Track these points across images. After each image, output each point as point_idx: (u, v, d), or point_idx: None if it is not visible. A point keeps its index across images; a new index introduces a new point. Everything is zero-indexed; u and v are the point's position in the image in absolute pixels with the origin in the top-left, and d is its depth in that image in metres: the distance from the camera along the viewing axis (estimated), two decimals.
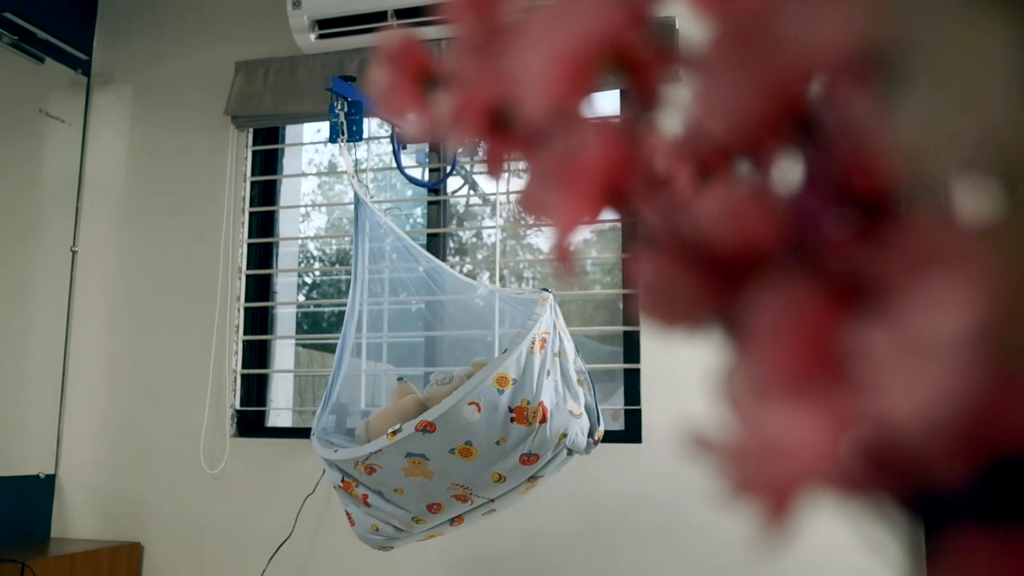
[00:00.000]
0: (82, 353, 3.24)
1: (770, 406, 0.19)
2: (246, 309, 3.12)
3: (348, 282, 2.98)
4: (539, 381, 1.94)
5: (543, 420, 1.93)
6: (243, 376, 3.08)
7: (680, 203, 0.23)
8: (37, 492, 3.13)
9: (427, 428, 1.88)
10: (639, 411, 2.63)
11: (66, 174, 3.31)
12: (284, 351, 3.22)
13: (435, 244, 3.04)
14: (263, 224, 3.21)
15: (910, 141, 0.15)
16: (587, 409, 2.11)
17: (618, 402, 2.75)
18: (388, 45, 0.34)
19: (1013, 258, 0.14)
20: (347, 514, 2.07)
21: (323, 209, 3.64)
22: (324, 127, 3.32)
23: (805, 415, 0.19)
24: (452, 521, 2.08)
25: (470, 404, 1.88)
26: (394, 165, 2.75)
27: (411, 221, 3.45)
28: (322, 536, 2.83)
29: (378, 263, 2.53)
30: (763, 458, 0.19)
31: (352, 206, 2.39)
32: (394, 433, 1.89)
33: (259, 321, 3.14)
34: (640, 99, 0.24)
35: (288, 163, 3.31)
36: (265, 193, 3.23)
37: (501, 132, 0.28)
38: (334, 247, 3.67)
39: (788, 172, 0.21)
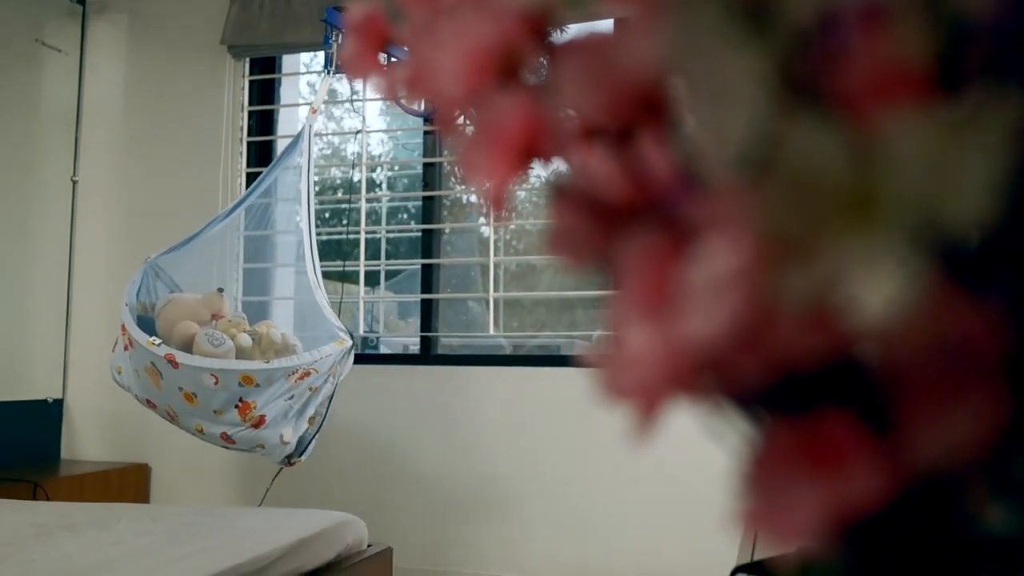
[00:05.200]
0: (85, 280, 3.31)
1: (631, 327, 0.25)
2: (245, 237, 3.17)
3: (347, 210, 3.03)
4: (275, 399, 2.23)
5: (255, 425, 2.22)
6: (244, 302, 3.15)
7: (579, 162, 0.28)
8: (46, 416, 3.22)
9: (172, 362, 2.18)
10: None
11: (65, 104, 3.33)
12: (284, 279, 3.28)
13: (431, 173, 3.08)
14: (261, 153, 3.25)
15: (696, 139, 0.20)
16: (300, 440, 2.37)
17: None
18: (353, 16, 0.39)
19: (769, 217, 0.20)
20: (116, 341, 2.39)
21: (324, 137, 3.66)
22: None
23: (653, 334, 0.24)
24: (164, 419, 2.38)
25: (212, 375, 2.17)
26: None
27: (407, 152, 3.49)
28: (323, 457, 2.92)
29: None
30: (625, 369, 0.25)
31: (353, 135, 2.45)
32: (152, 343, 2.21)
33: (259, 249, 3.19)
34: (548, 78, 0.29)
35: (285, 93, 3.33)
36: (263, 123, 3.26)
37: (447, 97, 0.33)
38: (333, 173, 3.71)
39: (651, 146, 0.26)
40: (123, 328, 2.32)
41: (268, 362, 2.22)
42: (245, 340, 2.33)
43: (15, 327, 3.17)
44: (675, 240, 0.25)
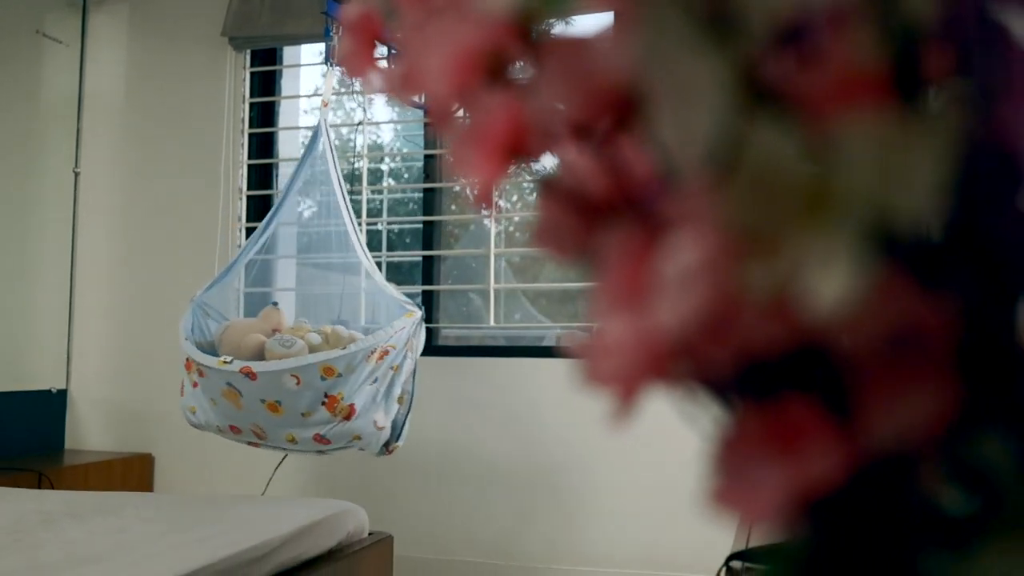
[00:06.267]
0: (89, 271, 3.32)
1: (610, 317, 0.26)
2: (247, 229, 3.18)
3: (350, 202, 3.04)
4: (360, 385, 2.16)
5: (347, 417, 2.16)
6: (246, 295, 3.16)
7: (565, 159, 0.30)
8: (50, 406, 3.24)
9: (249, 375, 2.12)
10: None
11: (66, 96, 3.34)
12: (286, 270, 3.29)
13: (432, 165, 3.09)
14: (262, 145, 3.26)
15: (664, 140, 0.21)
16: (394, 424, 2.31)
17: None
18: (349, 14, 0.40)
19: (733, 214, 0.21)
20: (182, 383, 2.32)
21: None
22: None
23: (630, 324, 0.26)
24: (249, 443, 2.34)
25: (292, 376, 2.11)
26: None
27: (411, 144, 3.49)
28: None
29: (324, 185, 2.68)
30: (604, 357, 0.26)
31: (355, 126, 2.46)
32: (224, 362, 2.15)
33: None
34: (532, 79, 0.30)
35: (286, 85, 3.34)
36: (264, 114, 3.27)
37: (437, 95, 0.34)
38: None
39: (629, 146, 0.27)
40: (188, 363, 2.25)
41: (345, 348, 2.18)
42: (314, 338, 2.30)
43: (19, 317, 3.19)
44: (650, 235, 0.26)
